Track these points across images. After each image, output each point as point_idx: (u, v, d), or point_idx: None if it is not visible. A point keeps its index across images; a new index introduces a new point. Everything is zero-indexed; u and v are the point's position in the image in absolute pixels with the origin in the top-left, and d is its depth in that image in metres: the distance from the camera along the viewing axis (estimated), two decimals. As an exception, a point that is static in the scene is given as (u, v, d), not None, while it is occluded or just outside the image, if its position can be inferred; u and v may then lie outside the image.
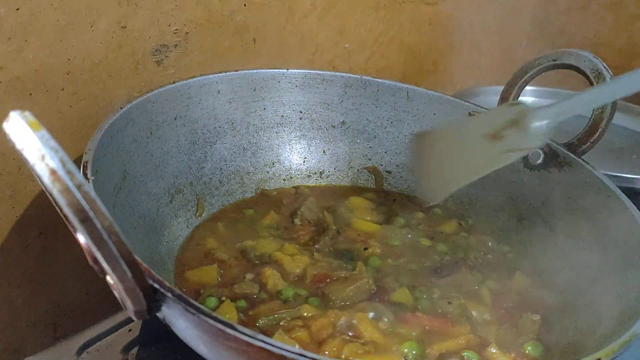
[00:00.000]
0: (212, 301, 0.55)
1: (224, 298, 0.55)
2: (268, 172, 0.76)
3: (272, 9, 0.81)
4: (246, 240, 0.65)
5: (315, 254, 0.64)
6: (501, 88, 0.74)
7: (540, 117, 0.63)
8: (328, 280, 0.59)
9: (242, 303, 0.56)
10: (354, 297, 0.57)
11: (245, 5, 0.77)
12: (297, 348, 0.38)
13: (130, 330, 0.59)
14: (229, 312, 0.54)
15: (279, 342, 0.37)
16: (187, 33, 0.72)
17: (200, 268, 0.60)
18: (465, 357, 0.52)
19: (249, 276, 0.59)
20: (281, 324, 0.53)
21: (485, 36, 1.23)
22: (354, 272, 0.61)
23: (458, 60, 1.20)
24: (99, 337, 0.58)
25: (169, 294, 0.39)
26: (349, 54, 0.96)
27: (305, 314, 0.55)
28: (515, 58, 1.37)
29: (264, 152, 0.75)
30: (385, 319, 0.55)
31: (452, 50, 1.17)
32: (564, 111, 0.62)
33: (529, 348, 0.55)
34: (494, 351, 0.53)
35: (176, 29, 0.71)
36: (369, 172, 0.79)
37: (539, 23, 1.34)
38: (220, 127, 0.71)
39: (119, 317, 0.61)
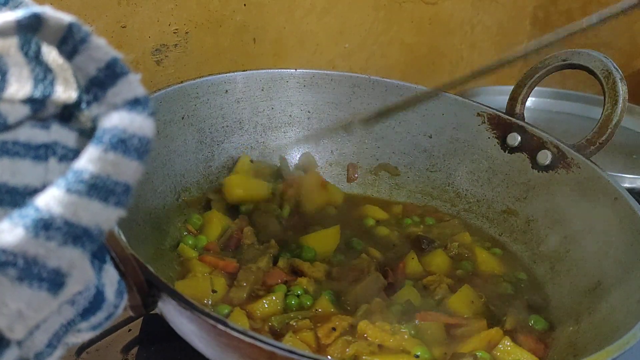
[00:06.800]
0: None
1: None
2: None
3: (272, 9, 0.81)
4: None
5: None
6: (501, 88, 0.73)
7: None
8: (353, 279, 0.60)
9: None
10: (366, 294, 0.57)
11: (245, 5, 0.77)
12: (286, 345, 0.37)
13: (130, 330, 0.59)
14: (240, 320, 0.53)
15: (269, 339, 0.37)
16: (187, 33, 0.72)
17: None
18: (479, 357, 0.52)
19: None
20: (292, 323, 0.54)
21: (485, 36, 1.23)
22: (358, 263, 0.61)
23: (458, 60, 1.20)
24: (99, 337, 0.58)
25: (163, 290, 0.39)
26: (349, 53, 0.96)
27: (319, 310, 0.55)
28: (515, 58, 1.37)
29: (271, 151, 0.75)
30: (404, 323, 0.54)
31: (452, 50, 1.17)
32: None
33: (532, 321, 0.58)
34: (508, 344, 0.53)
35: (176, 29, 0.71)
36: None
37: (539, 23, 1.34)
38: (228, 126, 0.71)
39: (118, 317, 0.61)
